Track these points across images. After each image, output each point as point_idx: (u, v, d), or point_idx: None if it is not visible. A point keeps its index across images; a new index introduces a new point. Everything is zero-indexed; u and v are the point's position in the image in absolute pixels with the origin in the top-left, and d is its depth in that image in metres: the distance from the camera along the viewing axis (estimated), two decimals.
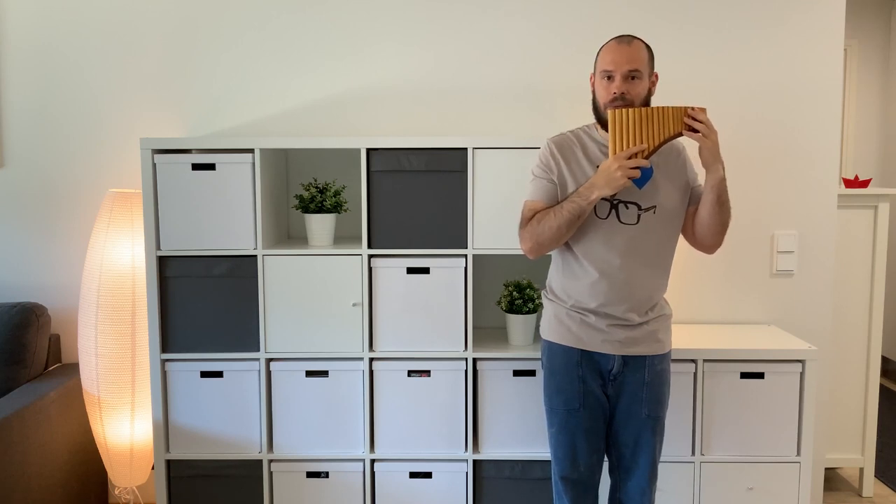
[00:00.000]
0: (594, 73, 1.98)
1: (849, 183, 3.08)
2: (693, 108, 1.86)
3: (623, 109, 1.86)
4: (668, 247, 2.02)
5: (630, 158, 1.84)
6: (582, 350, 2.00)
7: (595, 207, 1.93)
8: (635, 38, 1.94)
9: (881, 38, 4.84)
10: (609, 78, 1.91)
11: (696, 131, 1.85)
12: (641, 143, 1.85)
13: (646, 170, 1.93)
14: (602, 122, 1.96)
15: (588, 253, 1.95)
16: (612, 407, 2.03)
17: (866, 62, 4.85)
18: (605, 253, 1.94)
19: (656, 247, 1.97)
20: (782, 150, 2.69)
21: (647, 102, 1.94)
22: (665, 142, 1.87)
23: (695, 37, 2.66)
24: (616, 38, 1.95)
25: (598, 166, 1.93)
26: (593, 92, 1.98)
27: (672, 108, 1.86)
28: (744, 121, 2.68)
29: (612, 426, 2.05)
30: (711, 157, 1.87)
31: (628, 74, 1.89)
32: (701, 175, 2.01)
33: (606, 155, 1.95)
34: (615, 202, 1.94)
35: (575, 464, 2.03)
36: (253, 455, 2.45)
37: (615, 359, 1.98)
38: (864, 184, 3.07)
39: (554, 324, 2.04)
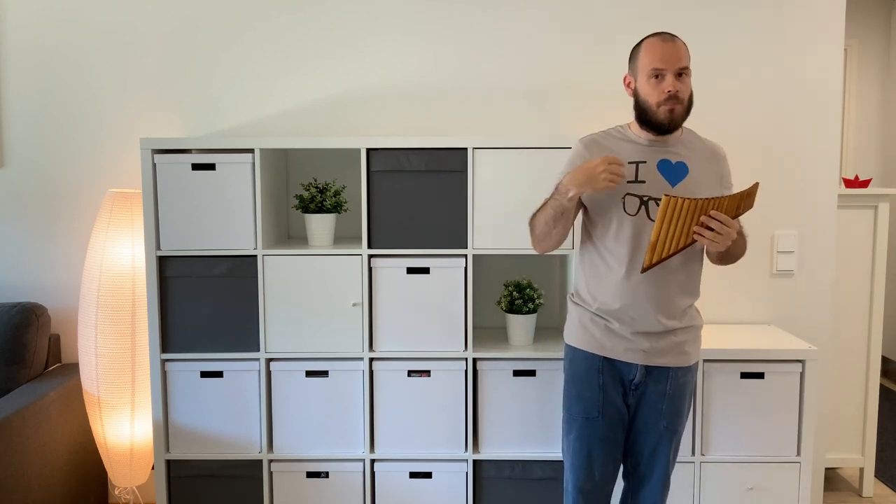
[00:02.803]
0: (632, 74, 1.91)
1: (849, 183, 3.08)
2: (712, 212, 1.75)
3: (676, 198, 1.73)
4: (699, 249, 1.95)
5: (615, 167, 1.77)
6: (604, 357, 1.95)
7: (624, 203, 1.87)
8: (675, 35, 1.88)
9: (881, 38, 4.84)
10: (658, 76, 1.84)
11: (709, 229, 1.77)
12: (689, 228, 1.78)
13: (681, 168, 1.90)
14: (648, 124, 1.89)
15: (615, 250, 1.90)
16: (631, 416, 1.99)
17: (866, 62, 4.85)
18: (633, 250, 1.88)
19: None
20: (782, 150, 2.69)
21: (691, 101, 1.89)
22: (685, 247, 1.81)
23: (695, 37, 2.65)
24: (657, 35, 1.88)
25: (630, 162, 1.88)
26: (635, 93, 1.90)
27: (726, 198, 1.76)
28: (744, 121, 2.68)
29: (630, 435, 2.01)
30: (711, 244, 1.81)
31: (678, 71, 1.84)
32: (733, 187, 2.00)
33: (640, 154, 1.91)
34: (646, 199, 1.87)
35: (590, 473, 1.99)
36: (253, 455, 2.45)
37: (638, 368, 1.93)
38: (864, 184, 3.07)
39: (578, 329, 2.00)
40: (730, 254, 1.92)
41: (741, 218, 1.93)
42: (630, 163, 1.89)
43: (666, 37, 1.87)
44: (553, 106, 2.68)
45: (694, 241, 1.80)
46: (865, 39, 4.82)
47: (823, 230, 2.71)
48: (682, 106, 1.86)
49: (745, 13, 2.65)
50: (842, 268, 2.93)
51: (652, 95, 1.85)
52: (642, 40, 1.91)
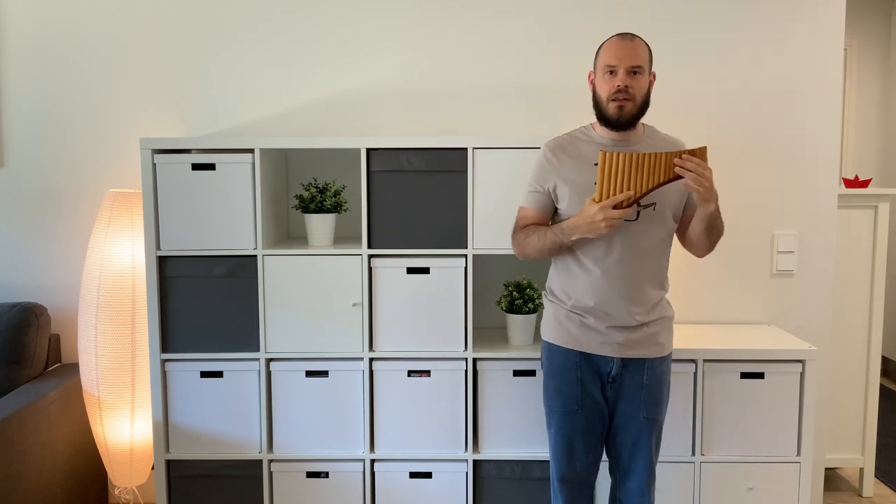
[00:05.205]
0: (594, 71, 1.98)
1: (849, 183, 3.08)
2: (684, 155, 1.80)
3: (614, 153, 1.82)
4: (667, 244, 2.02)
5: (615, 207, 1.83)
6: (581, 352, 2.00)
7: None
8: (636, 35, 1.94)
9: (881, 38, 4.84)
10: (612, 73, 1.90)
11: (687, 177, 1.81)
12: (629, 188, 1.82)
13: None
14: (602, 119, 1.96)
15: (587, 250, 1.96)
16: (610, 409, 2.03)
17: (866, 62, 4.85)
18: (604, 249, 1.94)
19: (655, 243, 1.97)
20: (782, 150, 2.69)
21: (646, 101, 1.94)
22: (655, 188, 1.83)
23: (695, 38, 2.66)
24: (617, 35, 1.94)
25: (595, 164, 1.93)
26: (594, 89, 1.97)
27: (665, 153, 1.81)
28: (744, 121, 2.67)
29: (611, 427, 2.05)
30: (702, 199, 1.85)
31: (631, 69, 1.89)
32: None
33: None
34: None
35: (571, 464, 2.04)
36: (253, 455, 2.45)
37: (614, 361, 1.98)
38: (864, 184, 3.07)
39: (554, 325, 2.04)
40: (714, 226, 1.94)
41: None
42: (595, 164, 1.93)
43: (625, 36, 1.93)
44: (553, 106, 2.68)
45: (670, 180, 1.83)
46: (865, 39, 4.82)
47: (823, 230, 2.71)
48: (632, 103, 1.90)
49: (746, 14, 2.65)
50: (842, 268, 2.93)
51: (605, 90, 1.92)
52: (605, 40, 1.96)
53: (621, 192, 1.82)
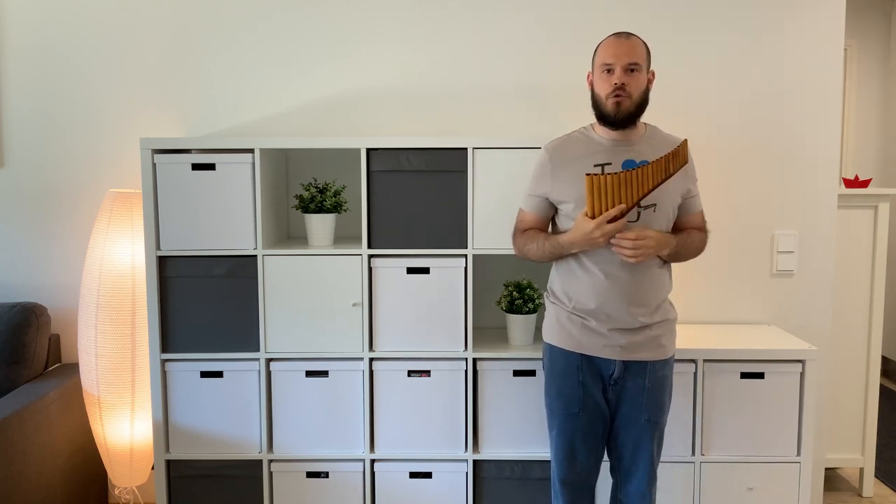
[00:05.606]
0: (592, 72, 1.98)
1: (849, 183, 3.08)
2: (620, 236, 1.85)
3: (600, 176, 1.84)
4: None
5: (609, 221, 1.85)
6: (583, 354, 1.99)
7: None
8: (633, 34, 1.94)
9: (881, 38, 4.84)
10: (609, 71, 1.90)
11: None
12: (620, 202, 1.84)
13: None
14: (601, 118, 1.95)
15: (590, 252, 1.95)
16: (612, 411, 2.03)
17: (866, 62, 4.85)
18: (605, 251, 1.94)
19: None
20: (782, 150, 2.69)
21: (645, 99, 1.93)
22: (646, 195, 1.85)
23: (695, 38, 2.66)
24: (614, 34, 1.94)
25: (595, 165, 1.93)
26: (592, 89, 1.97)
27: (651, 165, 1.83)
28: (744, 121, 2.68)
29: (613, 429, 2.05)
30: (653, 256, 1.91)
31: (628, 67, 1.89)
32: (698, 183, 2.07)
33: (604, 155, 1.95)
34: None
35: (573, 466, 2.04)
36: (253, 455, 2.45)
37: (616, 364, 1.97)
38: (864, 184, 3.07)
39: (555, 327, 2.04)
40: (679, 255, 2.00)
41: (705, 212, 2.07)
42: (595, 165, 1.94)
43: (621, 35, 1.94)
44: (553, 106, 2.68)
45: (659, 184, 1.85)
46: (865, 40, 4.82)
47: (823, 230, 2.71)
48: (630, 100, 1.90)
49: (746, 14, 2.65)
50: (842, 268, 2.93)
51: (602, 88, 1.92)
52: (602, 40, 1.97)
53: (613, 206, 1.84)
